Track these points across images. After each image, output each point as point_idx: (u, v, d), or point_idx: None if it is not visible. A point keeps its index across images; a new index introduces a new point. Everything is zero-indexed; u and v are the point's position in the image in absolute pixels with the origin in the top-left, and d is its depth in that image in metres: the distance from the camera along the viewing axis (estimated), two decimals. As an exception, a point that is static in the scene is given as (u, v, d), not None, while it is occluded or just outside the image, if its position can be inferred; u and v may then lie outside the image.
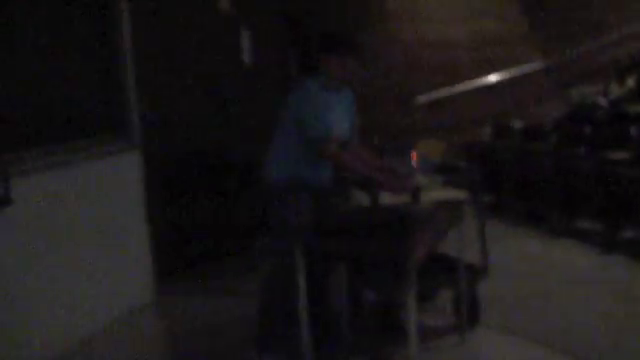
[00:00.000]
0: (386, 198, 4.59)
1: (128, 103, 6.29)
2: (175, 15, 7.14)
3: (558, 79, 11.51)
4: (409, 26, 11.78)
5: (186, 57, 7.26)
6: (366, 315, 5.32)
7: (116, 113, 6.23)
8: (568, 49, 11.25)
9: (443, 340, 4.96)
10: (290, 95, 4.47)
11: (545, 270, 6.55)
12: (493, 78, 11.51)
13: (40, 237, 5.09)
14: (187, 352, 5.24)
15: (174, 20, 7.10)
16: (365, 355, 4.75)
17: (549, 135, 8.96)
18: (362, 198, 4.93)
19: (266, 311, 4.47)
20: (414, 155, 4.67)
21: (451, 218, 4.35)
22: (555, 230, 7.86)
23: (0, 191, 4.58)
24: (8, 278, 4.74)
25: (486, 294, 5.25)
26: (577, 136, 8.35)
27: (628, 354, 4.59)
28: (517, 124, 9.78)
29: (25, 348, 4.85)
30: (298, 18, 10.49)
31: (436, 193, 4.80)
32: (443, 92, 11.59)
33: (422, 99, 11.58)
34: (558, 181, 7.85)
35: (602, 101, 9.41)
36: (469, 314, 4.92)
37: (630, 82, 9.43)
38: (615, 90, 9.54)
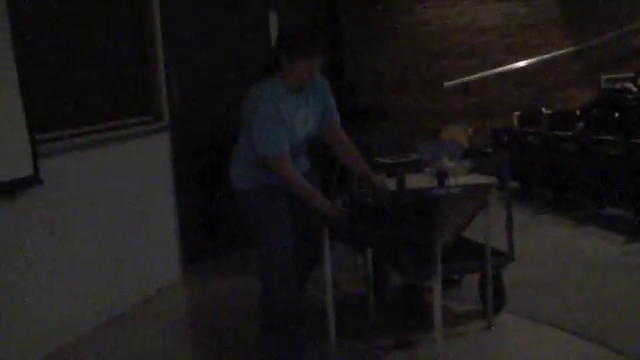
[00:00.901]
0: (413, 182, 4.58)
1: (158, 85, 6.34)
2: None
3: (588, 64, 11.41)
4: (438, 11, 11.73)
5: (215, 39, 7.28)
6: (391, 298, 5.35)
7: (146, 95, 6.28)
8: (599, 34, 11.14)
9: (468, 325, 4.97)
10: (245, 98, 4.11)
11: (572, 256, 6.53)
12: (522, 63, 11.43)
13: (70, 217, 5.16)
14: (212, 330, 5.29)
15: (203, 3, 7.12)
16: (389, 339, 4.76)
17: (577, 121, 8.89)
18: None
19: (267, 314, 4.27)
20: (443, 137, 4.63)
21: (477, 203, 4.33)
22: (583, 217, 7.83)
23: (30, 171, 4.64)
24: (39, 257, 4.81)
25: (512, 280, 5.25)
26: (605, 122, 8.28)
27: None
28: (545, 110, 9.72)
29: (57, 323, 4.94)
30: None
31: (463, 177, 4.79)
32: (471, 77, 11.55)
33: (450, 84, 11.54)
34: (586, 167, 7.80)
35: (631, 86, 9.32)
36: (495, 300, 4.91)
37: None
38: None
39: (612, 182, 7.48)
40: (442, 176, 4.52)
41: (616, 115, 8.25)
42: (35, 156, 4.66)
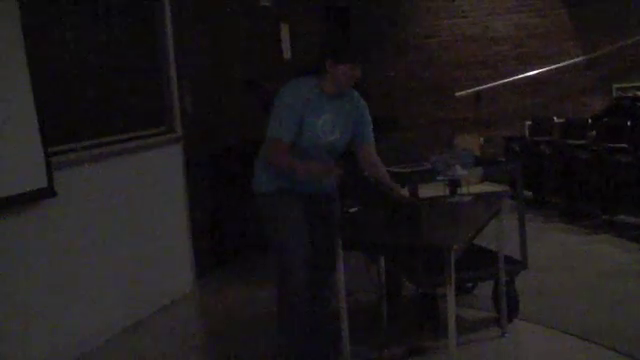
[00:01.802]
0: (425, 192, 4.60)
1: (171, 97, 6.39)
2: (216, 10, 7.21)
3: (600, 73, 11.40)
4: (450, 21, 11.76)
5: (228, 52, 7.33)
6: (405, 306, 5.36)
7: (159, 106, 6.33)
8: (610, 43, 11.14)
9: (482, 333, 4.98)
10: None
11: (585, 264, 6.53)
12: (533, 72, 11.44)
13: (84, 229, 5.19)
14: (226, 339, 5.31)
15: (215, 15, 7.18)
16: (402, 346, 4.77)
17: (589, 129, 8.89)
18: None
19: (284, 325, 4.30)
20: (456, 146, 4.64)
21: (490, 210, 4.35)
22: (595, 225, 7.82)
23: (44, 183, 4.67)
24: (53, 268, 4.85)
25: (525, 287, 5.25)
26: (617, 130, 8.28)
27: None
28: (557, 118, 9.73)
29: (71, 334, 4.97)
30: (341, 13, 10.55)
31: (475, 186, 4.80)
32: (484, 86, 11.56)
33: (462, 93, 11.56)
34: (598, 175, 7.80)
35: (643, 95, 9.33)
36: (508, 307, 4.92)
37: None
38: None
39: (624, 190, 7.47)
40: (454, 185, 4.53)
41: (628, 123, 8.25)
42: (49, 168, 4.69)
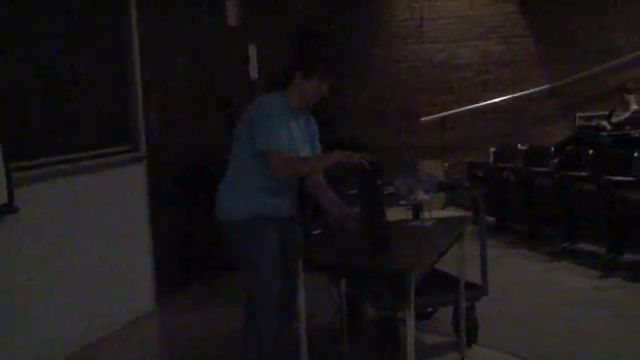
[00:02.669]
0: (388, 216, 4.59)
1: (135, 115, 6.35)
2: (184, 29, 7.21)
3: (564, 102, 11.54)
4: (416, 47, 11.86)
5: (195, 72, 7.32)
6: (365, 329, 5.35)
7: (123, 125, 6.29)
8: (574, 72, 11.29)
9: (441, 358, 4.99)
10: (247, 111, 4.06)
11: (545, 291, 6.57)
12: (498, 99, 11.55)
13: (44, 245, 5.13)
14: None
15: (183, 34, 7.17)
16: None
17: (552, 157, 8.99)
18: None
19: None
20: (419, 171, 4.65)
21: (452, 235, 4.37)
22: (557, 252, 7.89)
23: (4, 199, 4.62)
24: (12, 285, 4.78)
25: (486, 313, 5.27)
26: (580, 158, 8.39)
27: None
28: (521, 145, 9.83)
29: (28, 353, 4.89)
30: (307, 36, 10.56)
31: (438, 211, 4.82)
32: (449, 112, 11.65)
33: (427, 119, 11.64)
34: (560, 203, 7.88)
35: (605, 124, 9.45)
36: (468, 332, 4.93)
37: (634, 105, 9.46)
38: (620, 113, 9.57)
39: (586, 218, 7.55)
40: (417, 209, 4.54)
41: (590, 152, 8.36)
42: (10, 184, 4.64)
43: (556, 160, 8.89)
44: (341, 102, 11.56)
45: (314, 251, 4.03)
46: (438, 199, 4.91)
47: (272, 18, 8.90)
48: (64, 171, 5.38)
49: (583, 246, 7.88)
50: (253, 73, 8.44)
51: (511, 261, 7.76)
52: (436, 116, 11.65)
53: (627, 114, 9.44)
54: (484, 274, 5.17)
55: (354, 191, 4.27)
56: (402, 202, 4.59)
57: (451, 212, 9.20)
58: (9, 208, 4.65)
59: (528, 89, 11.52)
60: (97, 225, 5.73)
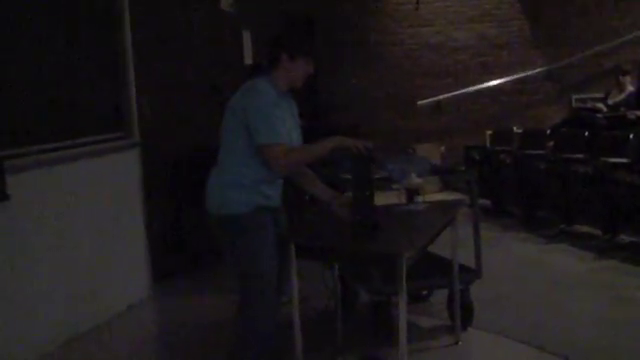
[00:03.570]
0: (380, 199, 4.58)
1: (128, 102, 6.33)
2: (176, 14, 7.18)
3: (560, 84, 11.53)
4: (413, 30, 11.83)
5: (188, 57, 7.30)
6: (358, 313, 5.36)
7: (116, 112, 6.26)
8: (570, 55, 11.27)
9: (436, 341, 4.99)
10: (237, 99, 3.94)
11: (541, 273, 6.58)
12: (495, 82, 11.54)
13: (38, 233, 5.12)
14: (180, 346, 5.27)
15: (175, 19, 7.14)
16: (356, 354, 4.77)
17: (548, 139, 8.98)
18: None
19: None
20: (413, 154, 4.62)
21: (445, 219, 4.36)
22: (552, 234, 7.89)
23: (-3, 186, 4.62)
24: (4, 272, 4.78)
25: (480, 296, 5.27)
26: (575, 141, 8.38)
27: (621, 357, 4.61)
28: (517, 128, 9.82)
29: (23, 342, 4.89)
30: (302, 20, 10.55)
31: (434, 194, 4.81)
32: (445, 96, 11.63)
33: (424, 102, 11.62)
34: (556, 185, 7.88)
35: (601, 106, 9.44)
36: (463, 316, 4.94)
37: (629, 87, 9.44)
38: (615, 95, 9.56)
39: (581, 200, 7.55)
40: (410, 193, 4.53)
41: (585, 134, 8.34)
42: (2, 171, 4.63)
43: (552, 142, 8.88)
44: (338, 87, 11.56)
45: (305, 236, 4.02)
46: (432, 183, 4.89)
47: (267, 4, 8.86)
48: (57, 158, 5.36)
49: (579, 228, 7.87)
50: (248, 60, 8.42)
51: (507, 244, 7.77)
52: (432, 99, 11.64)
53: (623, 96, 9.42)
54: (478, 257, 5.16)
55: (348, 176, 4.23)
56: (395, 186, 4.58)
57: (447, 196, 9.19)
58: (1, 195, 4.65)
59: (524, 72, 11.50)
60: (90, 212, 5.71)
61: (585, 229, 7.76)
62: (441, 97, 11.62)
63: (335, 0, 11.79)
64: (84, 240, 5.63)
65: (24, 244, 4.97)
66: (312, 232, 4.03)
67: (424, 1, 11.75)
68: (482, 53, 11.72)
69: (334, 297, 4.97)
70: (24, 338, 4.88)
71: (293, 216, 4.35)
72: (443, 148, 11.18)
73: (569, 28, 11.27)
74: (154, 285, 6.58)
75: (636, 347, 4.73)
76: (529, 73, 11.52)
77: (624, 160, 7.27)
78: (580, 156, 7.87)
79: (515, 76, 11.49)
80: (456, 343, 4.85)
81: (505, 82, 11.52)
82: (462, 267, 4.92)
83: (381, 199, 5.15)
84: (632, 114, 8.70)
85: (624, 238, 7.21)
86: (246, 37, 8.40)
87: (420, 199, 4.60)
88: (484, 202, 9.47)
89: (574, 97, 11.15)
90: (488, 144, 10.44)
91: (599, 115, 9.18)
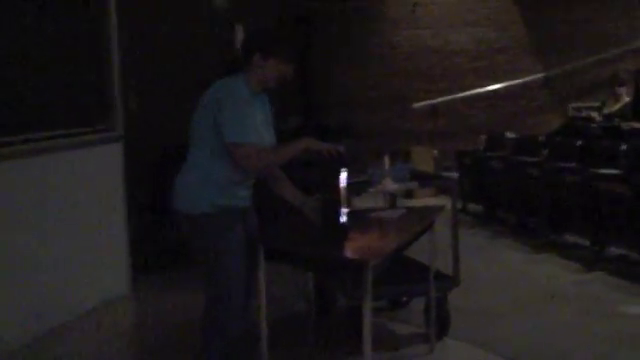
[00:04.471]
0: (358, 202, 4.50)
1: (112, 95, 6.25)
2: (165, 5, 7.09)
3: (557, 92, 11.45)
4: (410, 33, 11.75)
5: (176, 50, 7.21)
6: (335, 317, 5.28)
7: (100, 104, 6.19)
8: (568, 62, 11.18)
9: (410, 349, 4.90)
10: (210, 95, 3.87)
11: (525, 283, 6.48)
12: (491, 87, 11.45)
13: (16, 223, 5.05)
14: (156, 344, 5.20)
15: (164, 10, 7.05)
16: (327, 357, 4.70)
17: (541, 147, 8.90)
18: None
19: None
20: (386, 160, 4.52)
21: (421, 225, 4.27)
22: (542, 243, 7.79)
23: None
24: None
25: (460, 305, 5.18)
26: (568, 150, 8.29)
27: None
28: (510, 135, 9.74)
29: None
30: (296, 17, 10.48)
31: (426, 198, 4.73)
32: (441, 99, 11.55)
33: (419, 105, 11.54)
34: (547, 194, 7.79)
35: (596, 115, 9.36)
36: (438, 324, 4.85)
37: (625, 98, 9.36)
38: (611, 105, 9.48)
39: (572, 210, 7.46)
40: (393, 198, 4.44)
41: (579, 143, 8.26)
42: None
43: (546, 150, 8.79)
44: (334, 87, 11.50)
45: (275, 240, 3.94)
46: (410, 187, 4.80)
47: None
48: (36, 149, 5.30)
49: (568, 238, 7.77)
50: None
51: (494, 252, 7.68)
52: (428, 102, 11.56)
53: (618, 106, 9.34)
54: (456, 265, 5.06)
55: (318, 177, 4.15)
56: (371, 190, 4.49)
57: (440, 200, 9.13)
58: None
59: (521, 78, 11.42)
60: (69, 205, 5.64)
61: (574, 239, 7.66)
62: (437, 100, 11.54)
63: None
64: (62, 232, 5.56)
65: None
66: (282, 235, 3.95)
67: (422, 4, 11.66)
68: (479, 57, 11.63)
69: (307, 300, 4.89)
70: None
71: (265, 218, 4.26)
72: (436, 152, 11.09)
73: (568, 35, 11.18)
74: (133, 281, 6.50)
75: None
76: (527, 79, 11.43)
77: (615, 171, 7.18)
78: (572, 165, 7.77)
79: (512, 82, 11.40)
80: (430, 352, 4.76)
81: (502, 87, 11.43)
82: (439, 274, 4.84)
83: (360, 202, 5.10)
84: (627, 125, 8.60)
85: (613, 250, 7.10)
86: (238, 32, 8.31)
87: (400, 204, 4.52)
88: (476, 208, 9.41)
89: (571, 105, 11.07)
90: (480, 149, 10.35)
91: (593, 125, 9.10)
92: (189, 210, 3.88)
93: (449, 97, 11.51)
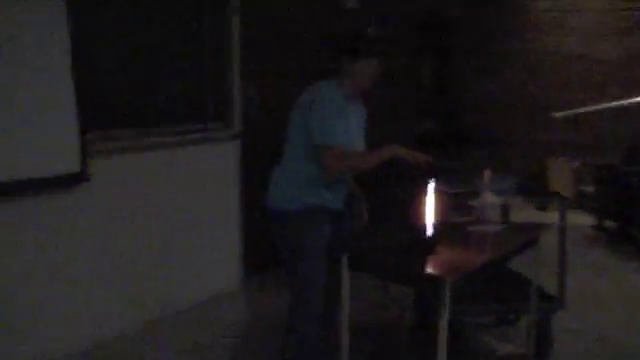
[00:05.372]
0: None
1: (231, 94, 6.33)
2: (294, 10, 7.10)
3: None
4: (553, 39, 11.35)
5: (299, 53, 7.20)
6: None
7: (219, 103, 6.27)
8: None
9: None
10: (304, 97, 3.93)
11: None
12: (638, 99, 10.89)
13: (120, 216, 5.19)
14: (253, 341, 5.24)
15: (284, 16, 7.04)
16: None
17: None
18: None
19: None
20: (485, 173, 4.32)
21: (519, 242, 4.07)
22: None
23: (78, 167, 4.69)
24: (82, 254, 4.88)
25: (571, 327, 4.94)
26: None
27: None
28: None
29: (95, 321, 5.05)
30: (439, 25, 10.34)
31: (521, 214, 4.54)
32: (585, 108, 11.08)
33: (560, 114, 11.12)
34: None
35: None
36: (540, 346, 4.64)
37: None
38: None
39: None
40: (484, 211, 4.26)
41: None
42: (84, 153, 4.71)
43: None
44: (473, 93, 11.28)
45: (358, 248, 3.86)
46: (516, 201, 4.61)
47: (396, 3, 8.68)
48: (147, 145, 5.42)
49: None
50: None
51: (621, 274, 7.25)
52: (570, 112, 11.11)
53: None
54: (561, 286, 4.83)
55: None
56: (471, 202, 4.33)
57: (577, 216, 8.81)
58: (81, 176, 4.72)
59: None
60: (181, 199, 5.75)
61: None
62: (580, 110, 11.06)
63: (477, 3, 11.45)
64: (184, 227, 5.77)
65: (101, 226, 5.06)
66: (366, 244, 3.86)
67: (569, 10, 11.23)
68: (628, 67, 11.09)
69: (401, 310, 4.80)
70: (97, 319, 5.01)
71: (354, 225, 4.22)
72: (576, 164, 10.65)
73: None
74: (245, 277, 6.57)
75: None
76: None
77: None
78: None
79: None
80: (528, 375, 4.57)
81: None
82: (544, 295, 4.63)
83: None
84: None
85: None
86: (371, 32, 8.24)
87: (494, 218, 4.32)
88: (611, 225, 8.97)
89: None
90: (619, 163, 9.85)
91: None
92: (275, 206, 3.97)
93: (593, 107, 11.01)
